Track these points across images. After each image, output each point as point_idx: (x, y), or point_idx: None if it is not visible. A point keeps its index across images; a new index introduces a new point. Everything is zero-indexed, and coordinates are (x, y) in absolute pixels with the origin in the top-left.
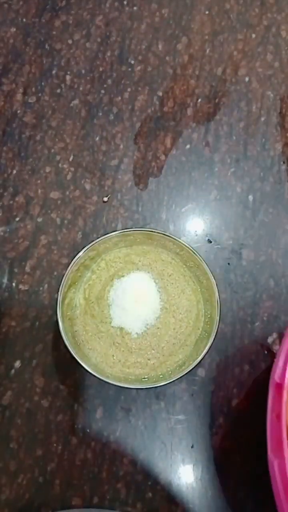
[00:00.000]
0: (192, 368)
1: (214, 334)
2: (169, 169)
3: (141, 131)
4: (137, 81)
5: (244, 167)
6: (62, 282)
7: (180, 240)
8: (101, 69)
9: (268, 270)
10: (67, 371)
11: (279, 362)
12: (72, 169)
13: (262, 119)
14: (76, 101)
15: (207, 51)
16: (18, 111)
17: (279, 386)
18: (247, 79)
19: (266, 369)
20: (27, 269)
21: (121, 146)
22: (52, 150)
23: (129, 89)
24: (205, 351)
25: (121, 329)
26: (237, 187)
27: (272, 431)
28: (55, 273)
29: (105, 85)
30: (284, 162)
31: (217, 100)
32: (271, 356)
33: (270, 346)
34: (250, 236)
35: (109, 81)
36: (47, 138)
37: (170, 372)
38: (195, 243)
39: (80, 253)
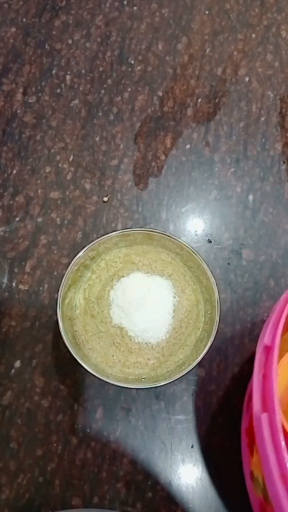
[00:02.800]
0: (192, 368)
1: (214, 334)
2: (169, 169)
3: (141, 131)
4: (137, 81)
5: (244, 167)
6: (62, 282)
7: (180, 240)
8: (101, 69)
9: (268, 270)
10: (67, 371)
11: (270, 326)
12: (72, 169)
13: (262, 119)
14: (76, 101)
15: (207, 51)
16: (18, 111)
17: (268, 349)
18: (247, 79)
19: None
20: (27, 269)
21: (121, 146)
22: (52, 150)
23: (129, 89)
24: (205, 351)
25: (121, 329)
26: (237, 187)
27: (261, 388)
28: (55, 273)
29: (105, 85)
30: (284, 162)
31: (217, 100)
32: None
33: None
34: (250, 236)
35: (109, 81)
36: (47, 138)
37: (170, 372)
38: (195, 243)
39: (80, 253)
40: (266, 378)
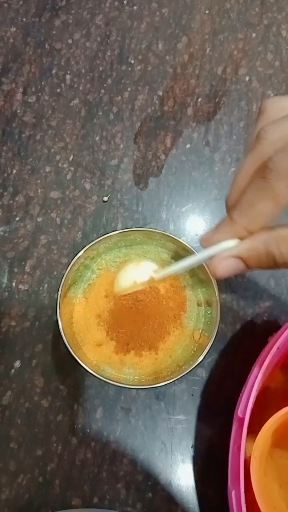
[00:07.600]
0: (192, 368)
1: (214, 334)
2: (169, 168)
3: (141, 130)
4: (137, 81)
5: None
6: (62, 282)
7: (180, 240)
8: (101, 68)
9: (268, 270)
10: (67, 371)
11: (243, 398)
12: (72, 168)
13: None
14: (76, 101)
15: (207, 50)
16: (18, 111)
17: (241, 421)
18: (247, 78)
19: None
20: (27, 269)
21: (121, 146)
22: (52, 150)
23: (129, 89)
24: (205, 351)
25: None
26: None
27: (232, 462)
28: (55, 273)
29: (105, 85)
30: None
31: (217, 100)
32: None
33: None
34: None
35: (109, 81)
36: (47, 137)
37: (170, 372)
38: (195, 243)
39: (80, 253)
40: (238, 451)
